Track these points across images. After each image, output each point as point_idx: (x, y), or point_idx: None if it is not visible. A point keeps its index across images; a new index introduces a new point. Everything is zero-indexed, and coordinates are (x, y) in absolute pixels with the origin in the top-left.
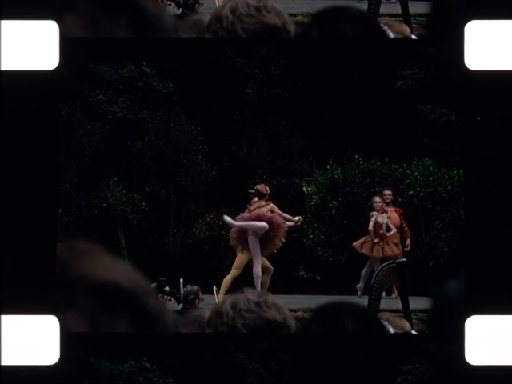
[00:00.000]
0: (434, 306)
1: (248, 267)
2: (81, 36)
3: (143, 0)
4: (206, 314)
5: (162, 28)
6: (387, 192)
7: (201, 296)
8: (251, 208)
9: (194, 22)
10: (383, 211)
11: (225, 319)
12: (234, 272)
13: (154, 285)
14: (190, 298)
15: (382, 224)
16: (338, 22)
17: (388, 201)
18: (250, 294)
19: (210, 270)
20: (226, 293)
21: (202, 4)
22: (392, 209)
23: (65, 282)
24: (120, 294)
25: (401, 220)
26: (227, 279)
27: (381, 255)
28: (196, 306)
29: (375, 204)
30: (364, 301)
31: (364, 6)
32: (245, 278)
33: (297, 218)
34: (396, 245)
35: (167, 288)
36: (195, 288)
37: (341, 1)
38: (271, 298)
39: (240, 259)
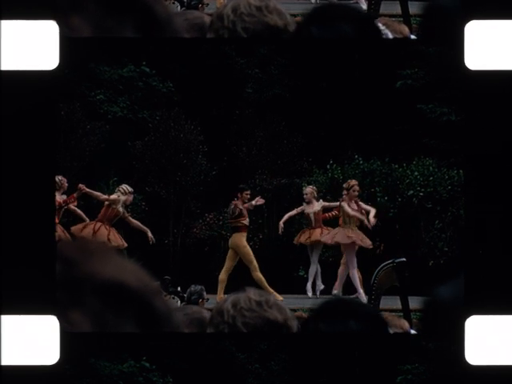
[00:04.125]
0: (434, 306)
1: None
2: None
3: (152, 2)
4: (208, 312)
5: (172, 31)
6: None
7: (205, 296)
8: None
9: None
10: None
11: (225, 318)
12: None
13: (157, 283)
14: (193, 298)
15: (309, 214)
16: (336, 20)
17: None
18: (251, 293)
19: (210, 270)
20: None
21: (208, 4)
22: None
23: (72, 279)
24: (128, 294)
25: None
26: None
27: (308, 241)
28: (200, 305)
29: (305, 196)
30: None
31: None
32: (245, 279)
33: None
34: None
35: (171, 286)
36: (198, 288)
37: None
38: (273, 297)
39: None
